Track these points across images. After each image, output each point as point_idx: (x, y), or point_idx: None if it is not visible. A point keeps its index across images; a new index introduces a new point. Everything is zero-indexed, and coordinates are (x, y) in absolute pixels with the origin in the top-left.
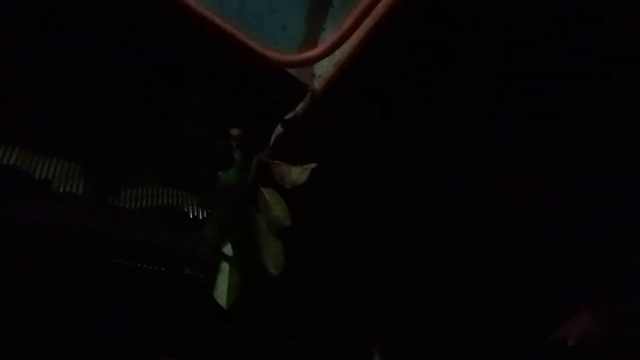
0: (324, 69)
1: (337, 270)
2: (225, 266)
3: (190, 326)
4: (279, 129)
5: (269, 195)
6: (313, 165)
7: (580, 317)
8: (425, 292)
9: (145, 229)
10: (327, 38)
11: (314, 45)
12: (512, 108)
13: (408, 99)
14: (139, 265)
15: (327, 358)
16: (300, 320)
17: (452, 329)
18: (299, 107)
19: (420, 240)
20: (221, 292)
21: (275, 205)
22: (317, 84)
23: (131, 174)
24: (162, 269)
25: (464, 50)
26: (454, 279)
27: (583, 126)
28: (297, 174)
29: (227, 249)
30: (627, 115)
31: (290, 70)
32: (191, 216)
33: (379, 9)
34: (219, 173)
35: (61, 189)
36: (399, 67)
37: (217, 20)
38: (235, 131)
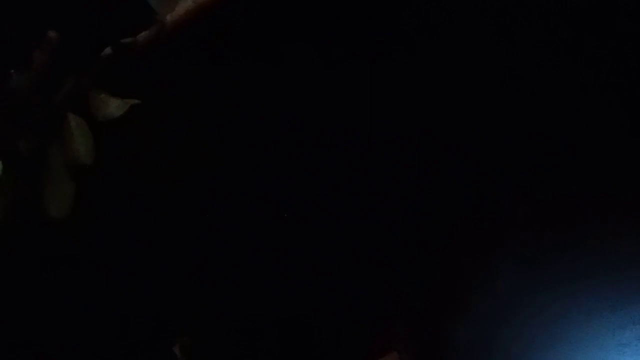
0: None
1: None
2: None
3: None
4: (108, 50)
5: (75, 123)
6: (135, 101)
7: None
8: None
9: None
10: None
11: None
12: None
13: (270, 48)
14: None
15: (123, 353)
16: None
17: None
18: (141, 35)
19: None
20: None
21: (79, 137)
22: (170, 17)
23: None
24: None
25: None
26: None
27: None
28: (115, 106)
29: None
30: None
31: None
32: None
33: None
34: (12, 72)
35: None
36: (270, 15)
37: None
38: (52, 34)
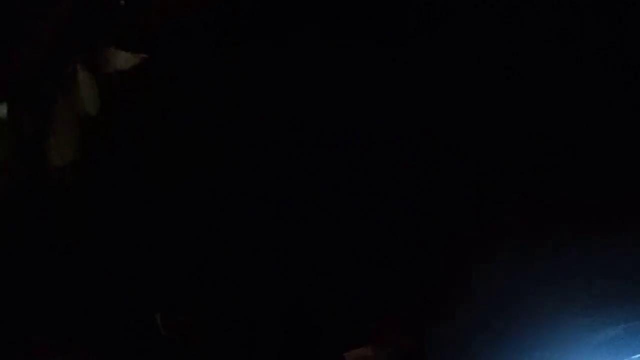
0: None
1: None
2: None
3: None
4: (121, 2)
5: (83, 75)
6: (144, 55)
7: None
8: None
9: None
10: None
11: None
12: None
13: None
14: None
15: (101, 327)
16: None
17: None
18: None
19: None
20: None
21: (84, 87)
22: None
23: None
24: None
25: None
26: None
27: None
28: (125, 59)
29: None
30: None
31: None
32: None
33: None
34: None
35: None
36: None
37: None
38: None
